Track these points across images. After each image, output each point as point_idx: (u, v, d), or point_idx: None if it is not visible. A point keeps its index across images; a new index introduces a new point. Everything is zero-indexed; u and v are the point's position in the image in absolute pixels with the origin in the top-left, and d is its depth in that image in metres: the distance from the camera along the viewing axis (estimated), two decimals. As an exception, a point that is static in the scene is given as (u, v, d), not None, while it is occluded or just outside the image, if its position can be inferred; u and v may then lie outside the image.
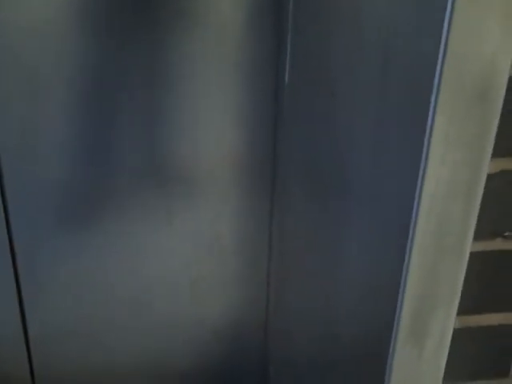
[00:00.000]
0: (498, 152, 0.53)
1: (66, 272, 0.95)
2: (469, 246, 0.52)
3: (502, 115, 0.48)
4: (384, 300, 0.56)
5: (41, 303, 0.97)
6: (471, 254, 0.54)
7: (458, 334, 0.62)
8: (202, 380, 1.09)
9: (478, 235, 0.57)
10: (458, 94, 0.45)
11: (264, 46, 0.87)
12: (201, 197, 0.95)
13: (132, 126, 0.89)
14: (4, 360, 1.00)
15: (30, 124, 0.85)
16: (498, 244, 0.64)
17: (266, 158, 0.94)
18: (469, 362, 0.72)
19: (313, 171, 0.83)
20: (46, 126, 0.86)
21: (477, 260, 0.63)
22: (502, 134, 0.50)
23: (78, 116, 0.87)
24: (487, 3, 0.42)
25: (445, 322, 0.55)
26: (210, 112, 0.90)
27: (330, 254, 0.77)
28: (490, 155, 0.49)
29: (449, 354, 0.58)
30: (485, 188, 0.51)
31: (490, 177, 0.54)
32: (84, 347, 1.02)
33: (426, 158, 0.48)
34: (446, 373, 0.59)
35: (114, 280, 0.97)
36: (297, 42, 0.84)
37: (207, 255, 0.98)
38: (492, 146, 0.49)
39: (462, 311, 0.58)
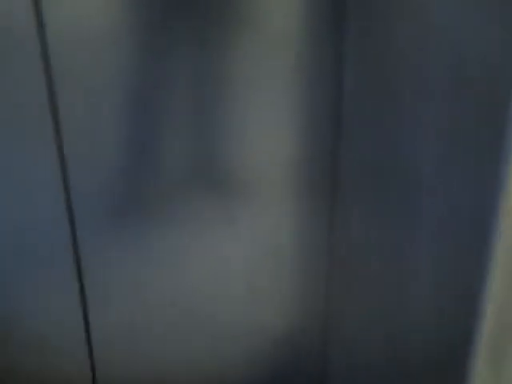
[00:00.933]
0: None
1: (130, 275, 0.97)
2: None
3: None
4: (460, 316, 0.53)
5: (104, 305, 0.99)
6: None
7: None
8: None
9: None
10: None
11: (325, 52, 0.86)
12: (261, 205, 0.94)
13: (190, 131, 0.89)
14: (67, 361, 1.02)
15: (93, 126, 0.87)
16: None
17: (326, 166, 0.92)
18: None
19: (375, 179, 0.81)
20: (107, 127, 0.87)
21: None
22: None
23: (141, 122, 0.88)
24: None
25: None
26: (273, 118, 0.89)
27: (396, 266, 0.75)
28: None
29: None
30: None
31: None
32: (145, 351, 1.03)
33: (507, 170, 0.46)
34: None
35: (177, 286, 0.98)
36: (360, 48, 0.82)
37: (267, 264, 0.98)
38: None
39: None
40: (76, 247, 0.93)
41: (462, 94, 0.53)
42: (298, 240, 0.96)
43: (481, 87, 0.50)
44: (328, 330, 1.04)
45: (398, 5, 0.69)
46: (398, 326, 0.76)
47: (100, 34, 0.81)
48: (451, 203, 0.58)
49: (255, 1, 0.83)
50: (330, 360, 1.06)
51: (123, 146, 0.89)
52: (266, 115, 0.88)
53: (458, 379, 0.53)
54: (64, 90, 0.84)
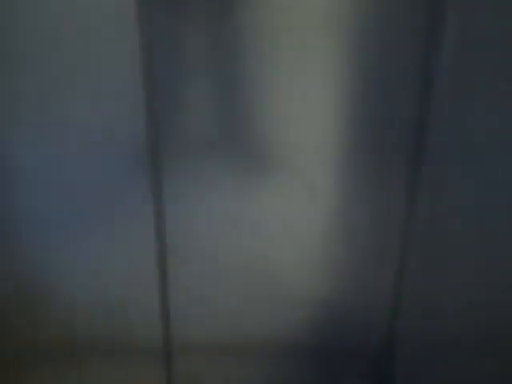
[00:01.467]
0: None
1: (210, 247, 1.00)
2: None
3: None
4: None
5: (183, 275, 1.03)
6: None
7: None
8: (328, 356, 1.12)
9: None
10: None
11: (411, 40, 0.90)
12: (338, 176, 0.98)
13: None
14: (141, 323, 1.05)
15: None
16: None
17: (406, 131, 0.96)
18: None
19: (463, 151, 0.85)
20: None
21: None
22: None
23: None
24: None
25: None
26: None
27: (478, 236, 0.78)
28: None
29: None
30: None
31: None
32: (220, 319, 1.07)
33: None
34: None
35: (254, 253, 1.01)
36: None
37: (341, 237, 1.01)
38: None
39: None
40: (160, 218, 0.97)
41: None
42: (372, 212, 1.00)
43: None
44: (399, 304, 1.07)
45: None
46: (478, 297, 0.79)
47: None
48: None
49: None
50: (399, 334, 1.09)
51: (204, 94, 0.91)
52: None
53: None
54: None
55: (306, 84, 0.91)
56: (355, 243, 1.02)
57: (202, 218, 0.98)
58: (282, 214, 0.99)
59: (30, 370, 1.05)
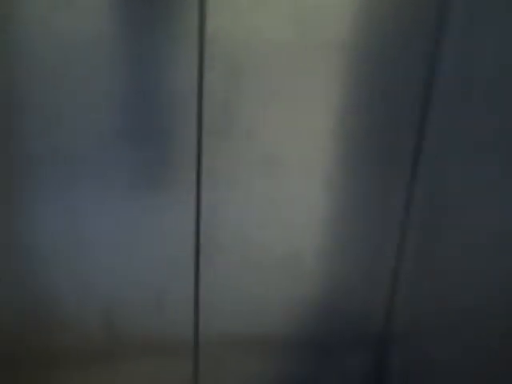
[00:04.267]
0: None
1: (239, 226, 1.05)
2: None
3: None
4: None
5: (217, 261, 1.08)
6: None
7: None
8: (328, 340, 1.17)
9: None
10: None
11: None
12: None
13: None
14: (172, 318, 1.10)
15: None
16: None
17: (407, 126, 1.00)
18: None
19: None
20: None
21: None
22: None
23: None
24: None
25: None
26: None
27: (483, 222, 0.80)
28: None
29: None
30: None
31: None
32: (249, 302, 1.12)
33: None
34: None
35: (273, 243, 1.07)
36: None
37: (345, 216, 1.06)
38: None
39: None
40: (199, 201, 1.02)
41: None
42: (373, 195, 1.05)
43: None
44: (397, 288, 1.11)
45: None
46: (479, 283, 0.82)
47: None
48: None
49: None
50: (395, 319, 1.13)
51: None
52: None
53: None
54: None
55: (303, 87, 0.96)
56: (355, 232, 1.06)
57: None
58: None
59: (58, 369, 1.12)
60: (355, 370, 1.19)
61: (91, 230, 1.00)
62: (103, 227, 1.00)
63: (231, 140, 0.98)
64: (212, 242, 1.04)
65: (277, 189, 1.02)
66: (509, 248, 0.75)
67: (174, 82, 0.92)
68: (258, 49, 0.92)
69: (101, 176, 0.97)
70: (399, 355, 1.13)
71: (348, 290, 1.12)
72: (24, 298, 1.02)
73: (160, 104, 0.94)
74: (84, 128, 0.93)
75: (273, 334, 1.14)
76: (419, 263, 1.04)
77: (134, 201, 1.00)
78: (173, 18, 0.88)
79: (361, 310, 1.14)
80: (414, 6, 0.93)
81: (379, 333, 1.16)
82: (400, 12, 0.92)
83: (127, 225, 1.01)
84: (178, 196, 1.00)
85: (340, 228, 1.06)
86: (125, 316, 1.07)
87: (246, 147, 0.99)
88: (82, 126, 0.93)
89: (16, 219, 0.97)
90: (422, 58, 0.95)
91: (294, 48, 0.92)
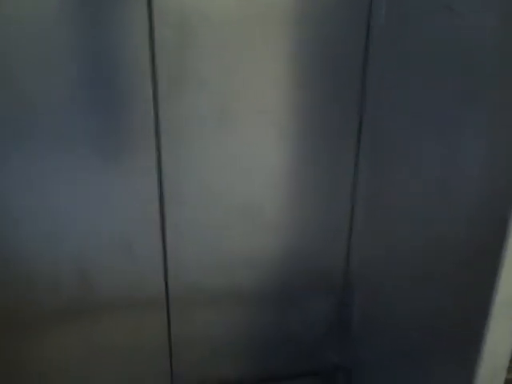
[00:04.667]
0: None
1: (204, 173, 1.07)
2: None
3: None
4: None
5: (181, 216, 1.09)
6: None
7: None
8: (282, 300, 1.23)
9: None
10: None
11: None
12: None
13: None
14: (140, 260, 1.11)
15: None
16: None
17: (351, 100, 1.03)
18: None
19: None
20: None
21: None
22: None
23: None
24: None
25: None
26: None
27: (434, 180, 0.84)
28: None
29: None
30: None
31: None
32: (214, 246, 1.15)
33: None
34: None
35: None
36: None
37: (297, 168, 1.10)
38: None
39: None
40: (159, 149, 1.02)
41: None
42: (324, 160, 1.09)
43: None
44: (353, 231, 1.16)
45: None
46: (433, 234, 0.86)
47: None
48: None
49: None
50: (353, 262, 1.19)
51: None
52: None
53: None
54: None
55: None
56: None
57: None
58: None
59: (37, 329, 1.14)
60: (319, 317, 1.25)
61: (53, 194, 1.02)
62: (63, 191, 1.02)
63: (185, 92, 0.99)
64: (175, 197, 1.07)
65: (233, 140, 1.05)
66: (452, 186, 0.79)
67: (125, 38, 0.93)
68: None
69: (59, 138, 0.98)
70: (360, 299, 1.18)
71: (307, 238, 1.16)
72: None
73: (112, 63, 0.94)
74: (35, 90, 0.94)
75: (238, 283, 1.18)
76: (371, 205, 1.08)
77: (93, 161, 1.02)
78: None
79: (321, 257, 1.18)
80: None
81: (340, 278, 1.21)
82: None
83: (87, 188, 1.03)
84: (139, 152, 1.02)
85: (297, 176, 1.09)
86: (97, 269, 1.10)
87: (201, 99, 1.00)
88: (32, 88, 0.94)
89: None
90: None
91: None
